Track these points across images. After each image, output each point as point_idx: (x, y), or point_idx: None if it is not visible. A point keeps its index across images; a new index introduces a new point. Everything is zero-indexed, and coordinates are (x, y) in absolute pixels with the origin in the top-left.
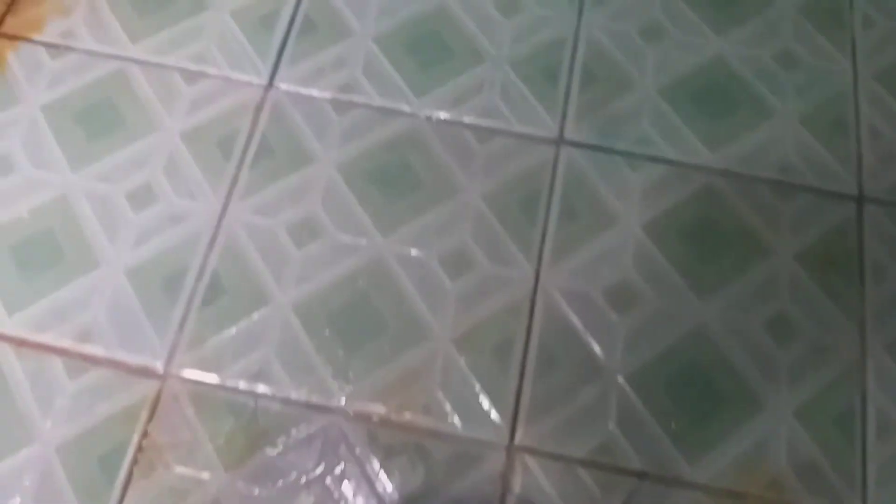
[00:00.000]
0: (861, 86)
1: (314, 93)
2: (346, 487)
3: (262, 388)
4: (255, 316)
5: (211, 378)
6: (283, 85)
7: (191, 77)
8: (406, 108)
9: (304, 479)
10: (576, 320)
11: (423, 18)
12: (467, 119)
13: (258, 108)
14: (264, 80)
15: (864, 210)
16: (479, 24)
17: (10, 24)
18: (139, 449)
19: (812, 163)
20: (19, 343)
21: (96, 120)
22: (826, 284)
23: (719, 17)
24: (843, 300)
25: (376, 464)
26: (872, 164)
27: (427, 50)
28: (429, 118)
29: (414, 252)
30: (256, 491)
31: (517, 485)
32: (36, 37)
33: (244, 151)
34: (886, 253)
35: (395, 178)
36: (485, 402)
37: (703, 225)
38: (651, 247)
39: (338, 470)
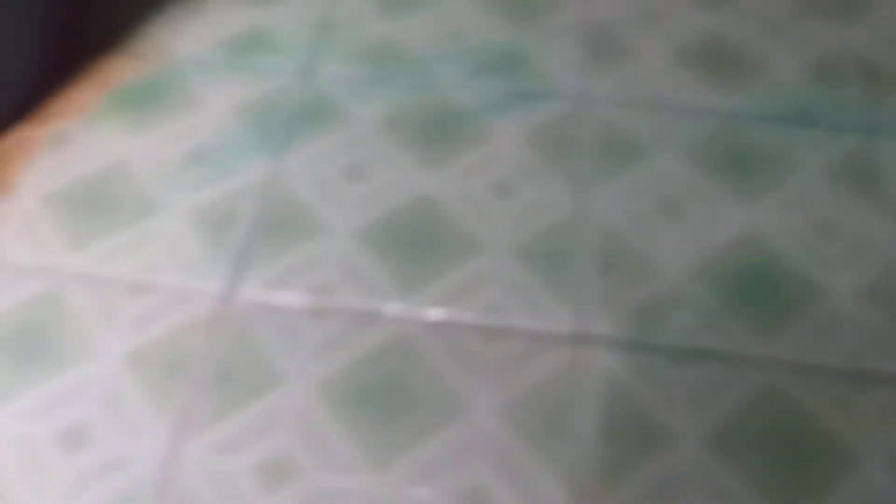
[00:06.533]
0: None
1: (281, 301)
2: None
3: None
4: None
5: None
6: (244, 293)
7: (134, 291)
8: (392, 309)
9: None
10: None
11: (403, 209)
12: (467, 318)
13: (214, 324)
14: (222, 290)
15: None
16: (470, 211)
17: None
18: None
19: None
20: None
21: (21, 349)
22: None
23: (742, 185)
24: None
25: None
26: None
27: (408, 242)
28: (420, 322)
29: (419, 492)
30: None
31: None
32: None
33: (198, 375)
34: None
35: (384, 396)
36: None
37: (760, 440)
38: (716, 464)
39: None
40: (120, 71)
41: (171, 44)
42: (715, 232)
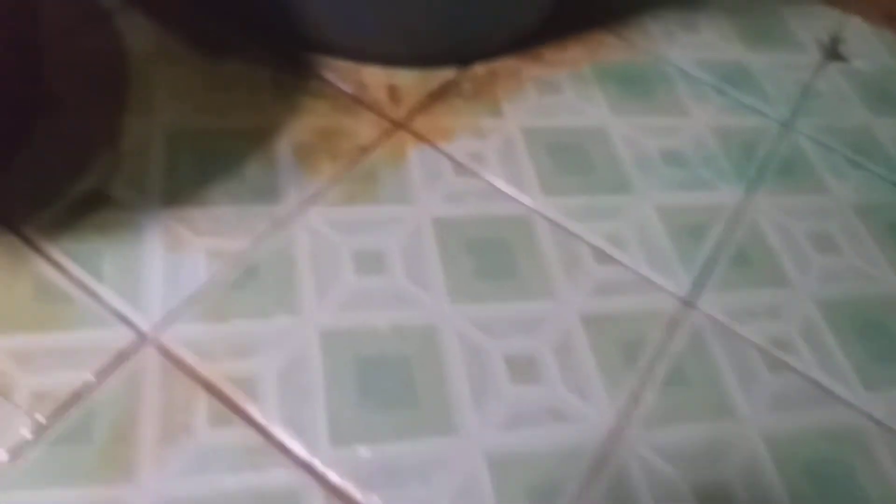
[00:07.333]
0: None
1: (740, 331)
2: None
3: None
4: None
5: None
6: (705, 306)
7: (601, 257)
8: (849, 397)
9: None
10: None
11: (871, 300)
12: None
13: (674, 323)
14: (684, 294)
15: None
16: None
17: (420, 124)
18: None
19: None
20: None
21: (489, 257)
22: None
23: None
24: None
25: None
26: None
27: (875, 338)
28: (878, 422)
29: None
30: None
31: None
32: (443, 146)
33: (651, 366)
34: None
35: (832, 479)
36: None
37: None
38: None
39: None
40: (609, 48)
41: (661, 45)
42: None
